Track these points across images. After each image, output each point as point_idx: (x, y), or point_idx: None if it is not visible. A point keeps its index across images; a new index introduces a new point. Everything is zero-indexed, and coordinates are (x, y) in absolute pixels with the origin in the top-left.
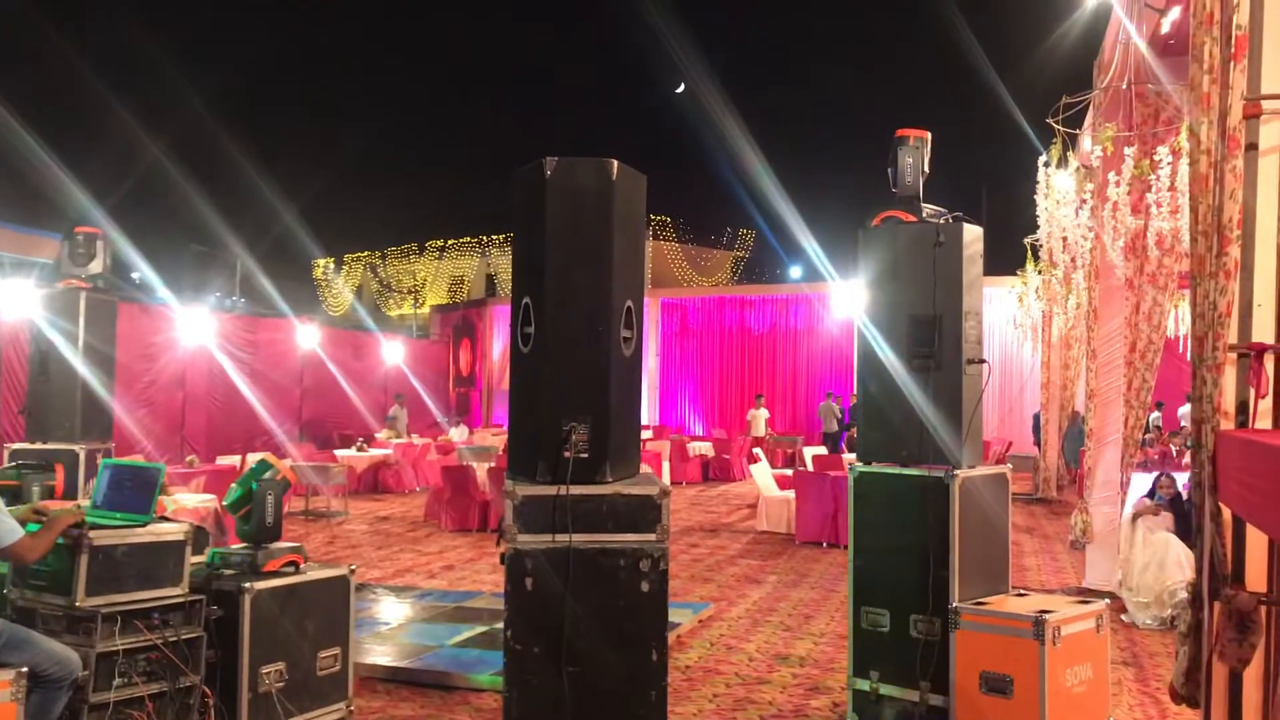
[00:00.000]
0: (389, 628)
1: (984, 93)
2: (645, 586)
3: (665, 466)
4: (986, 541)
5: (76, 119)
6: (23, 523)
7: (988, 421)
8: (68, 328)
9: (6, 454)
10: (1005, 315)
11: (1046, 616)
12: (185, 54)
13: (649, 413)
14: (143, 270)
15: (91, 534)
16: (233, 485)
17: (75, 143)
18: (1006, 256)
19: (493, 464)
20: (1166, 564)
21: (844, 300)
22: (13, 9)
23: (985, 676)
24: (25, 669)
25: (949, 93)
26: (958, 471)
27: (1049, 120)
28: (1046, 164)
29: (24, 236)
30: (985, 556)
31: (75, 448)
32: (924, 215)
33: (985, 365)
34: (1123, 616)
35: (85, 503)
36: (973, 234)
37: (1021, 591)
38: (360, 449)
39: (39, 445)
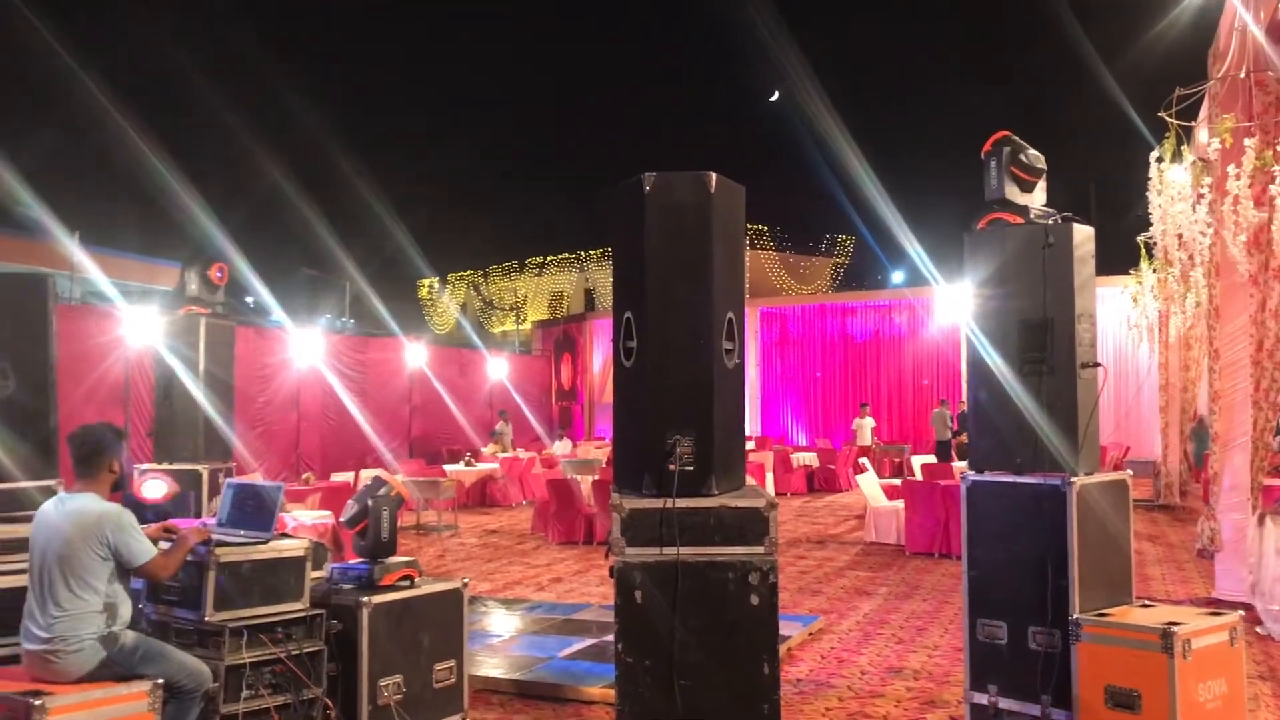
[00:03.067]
0: (500, 640)
1: (1090, 87)
2: (755, 599)
3: (769, 478)
4: (1107, 550)
5: (200, 147)
6: (154, 541)
7: (1103, 426)
8: (188, 353)
9: (137, 474)
10: (1119, 316)
11: (1175, 629)
12: (302, 79)
13: (750, 423)
14: (258, 294)
15: (218, 551)
16: (349, 501)
17: (198, 171)
18: (1118, 255)
19: (596, 477)
20: None
21: (949, 304)
22: (146, 40)
23: (1111, 691)
24: (160, 680)
25: (1054, 88)
26: (1074, 479)
27: (1161, 114)
28: (1159, 159)
29: (148, 265)
30: (1106, 566)
31: (199, 468)
32: (1031, 216)
33: (1100, 369)
34: (1258, 629)
35: (211, 521)
36: (1083, 234)
37: (1146, 602)
38: (468, 464)
39: (165, 466)
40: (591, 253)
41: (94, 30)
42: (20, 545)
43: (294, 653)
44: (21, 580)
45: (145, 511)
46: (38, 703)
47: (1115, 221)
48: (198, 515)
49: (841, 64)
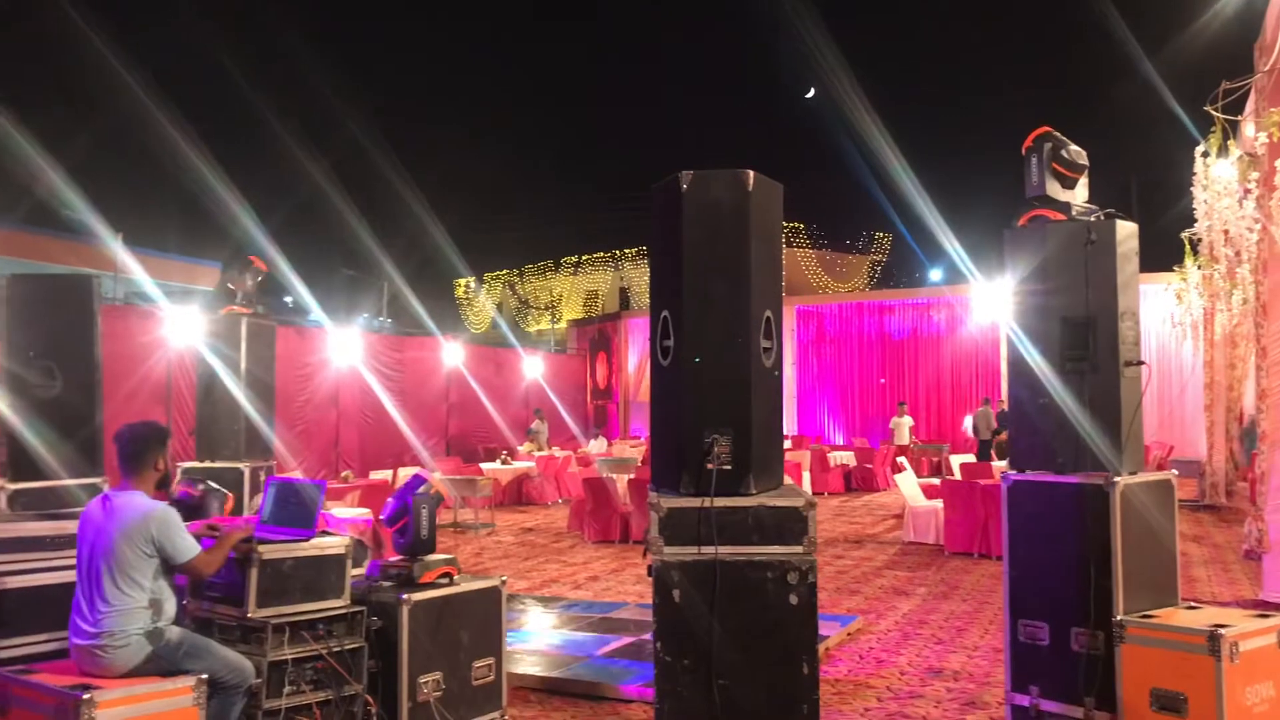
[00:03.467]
0: (538, 638)
1: (1132, 80)
2: (794, 599)
3: (806, 477)
4: (1151, 551)
5: (242, 148)
6: (198, 538)
7: (1146, 425)
8: (229, 353)
9: (179, 472)
10: (1161, 313)
11: (1222, 631)
12: (342, 81)
13: (786, 422)
14: (297, 294)
15: (260, 549)
16: (389, 499)
17: (239, 173)
18: (1160, 252)
19: (631, 476)
20: None
21: (987, 302)
22: (190, 42)
23: (1156, 694)
24: (204, 676)
25: (1095, 82)
26: (1118, 479)
27: (1207, 108)
28: (1205, 154)
29: (189, 266)
30: (1150, 567)
31: (240, 466)
32: (1073, 213)
33: (1144, 367)
34: None
35: (253, 519)
36: (1126, 230)
37: (1192, 604)
38: (504, 462)
39: (207, 464)
40: (626, 251)
41: (138, 32)
42: (67, 542)
43: (335, 649)
44: (69, 576)
45: (188, 509)
46: (86, 696)
47: (1158, 217)
48: (239, 513)
49: (878, 60)
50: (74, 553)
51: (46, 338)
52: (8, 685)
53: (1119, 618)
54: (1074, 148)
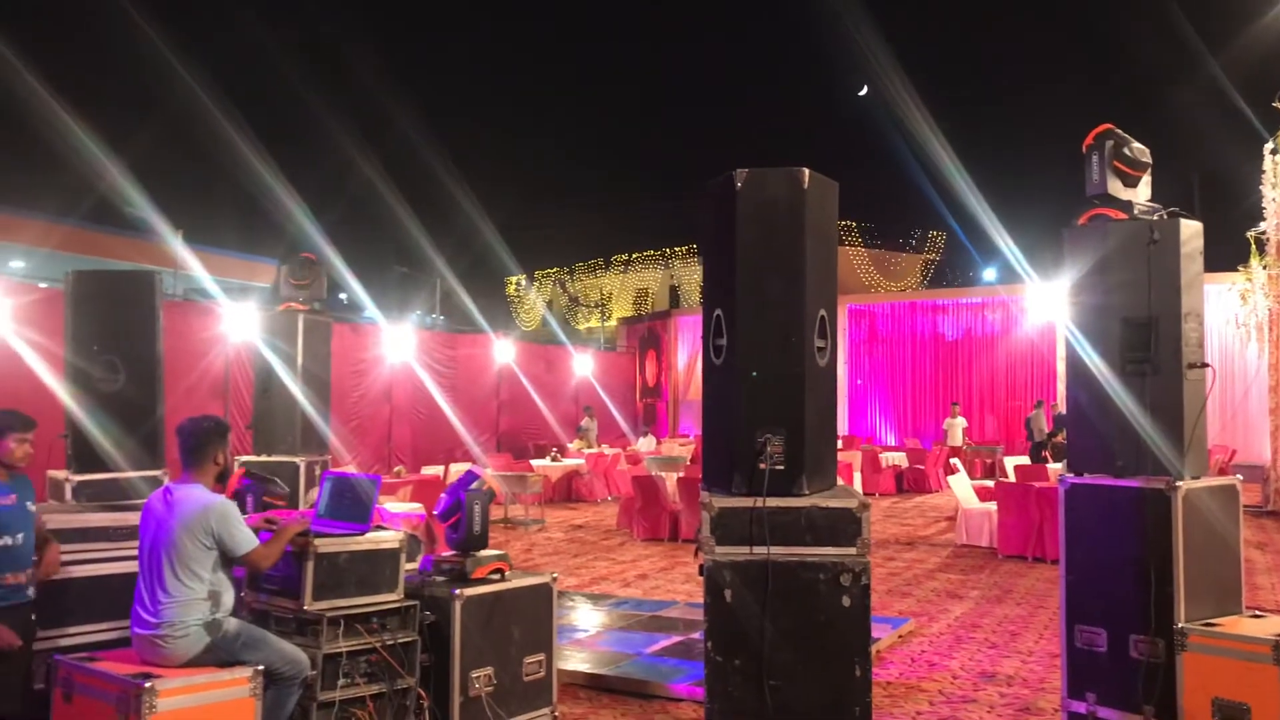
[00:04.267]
0: (587, 635)
1: (1195, 75)
2: (846, 601)
3: (857, 477)
4: (1214, 558)
5: (298, 146)
6: (255, 532)
7: (1209, 429)
8: (286, 349)
9: (237, 465)
10: (1224, 314)
11: None
12: (395, 78)
13: (838, 422)
14: (351, 291)
15: (316, 542)
16: (443, 495)
17: (296, 170)
18: (1224, 251)
19: (681, 474)
20: None
21: (1043, 302)
22: (247, 41)
23: (1218, 704)
24: (261, 667)
25: (1156, 77)
26: (1180, 483)
27: (1276, 104)
28: (1274, 151)
29: (247, 263)
30: (1213, 574)
31: (296, 460)
32: (1135, 212)
33: (1209, 369)
34: None
35: (310, 512)
36: (1191, 230)
37: (1257, 612)
38: (554, 459)
39: (264, 458)
40: (676, 249)
41: (197, 33)
42: (130, 533)
43: (388, 643)
44: (131, 567)
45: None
46: (148, 685)
47: (1221, 215)
48: (295, 507)
49: (932, 56)
50: (136, 544)
51: (110, 333)
52: (72, 672)
53: (1180, 625)
54: (1136, 145)
